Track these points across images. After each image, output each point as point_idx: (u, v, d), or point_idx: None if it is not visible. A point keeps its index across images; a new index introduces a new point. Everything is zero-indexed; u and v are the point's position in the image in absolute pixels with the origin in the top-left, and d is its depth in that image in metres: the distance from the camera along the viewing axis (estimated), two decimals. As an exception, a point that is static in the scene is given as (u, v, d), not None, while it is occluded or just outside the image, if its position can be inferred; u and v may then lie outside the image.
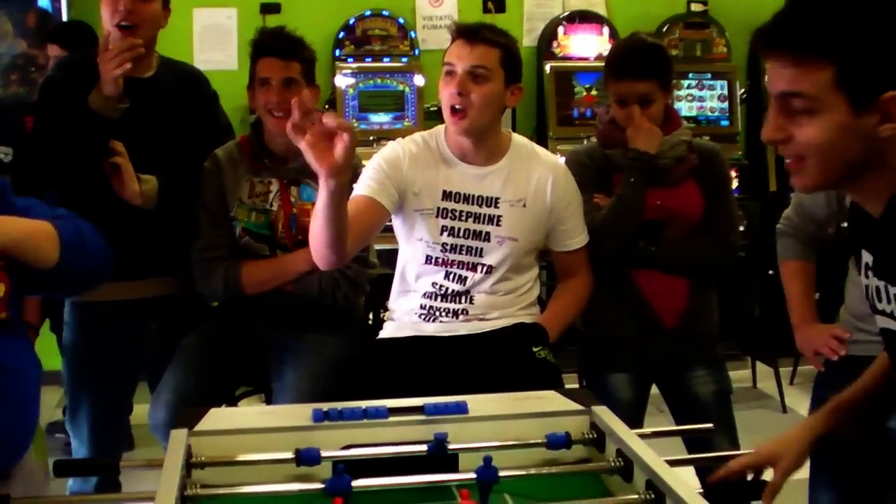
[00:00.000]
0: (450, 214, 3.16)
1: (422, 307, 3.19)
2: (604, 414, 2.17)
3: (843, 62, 1.73)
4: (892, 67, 1.72)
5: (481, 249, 3.16)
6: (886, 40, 1.72)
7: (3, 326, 2.28)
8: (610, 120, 3.42)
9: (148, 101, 3.38)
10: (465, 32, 3.13)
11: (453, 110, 3.09)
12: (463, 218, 3.16)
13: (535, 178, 3.20)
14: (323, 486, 1.90)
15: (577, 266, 3.33)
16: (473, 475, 1.95)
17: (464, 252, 3.16)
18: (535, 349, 3.10)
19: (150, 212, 3.33)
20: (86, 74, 3.27)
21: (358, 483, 1.91)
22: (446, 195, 3.17)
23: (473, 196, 3.17)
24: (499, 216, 3.16)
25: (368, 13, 6.62)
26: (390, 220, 3.22)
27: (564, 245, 3.29)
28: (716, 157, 3.48)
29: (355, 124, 6.01)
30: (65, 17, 6.13)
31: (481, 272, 3.16)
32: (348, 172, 2.60)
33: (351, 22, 6.58)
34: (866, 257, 2.02)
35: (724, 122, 6.77)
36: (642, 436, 2.08)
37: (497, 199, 3.17)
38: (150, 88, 3.43)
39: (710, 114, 6.77)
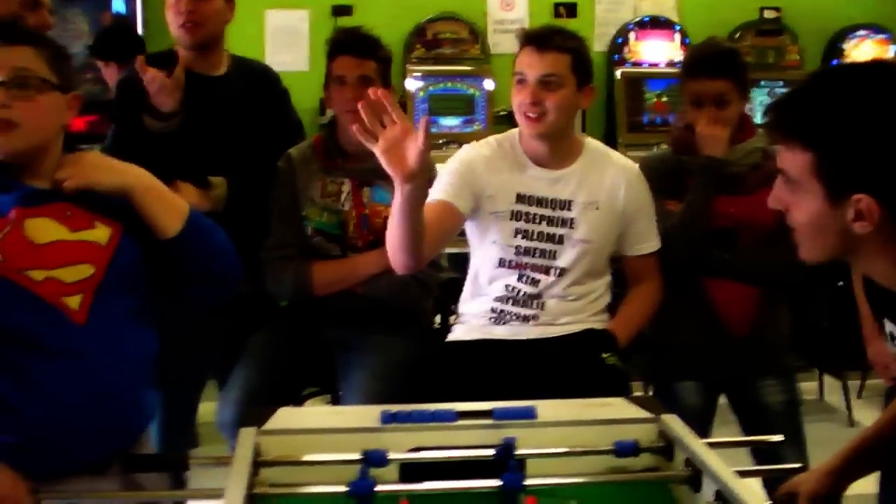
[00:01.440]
0: (524, 217, 3.16)
1: (493, 311, 3.19)
2: (673, 422, 2.14)
3: (822, 151, 1.76)
4: (869, 168, 1.73)
5: (555, 252, 3.16)
6: (866, 139, 1.73)
7: (112, 312, 2.33)
8: (685, 126, 3.40)
9: (219, 99, 3.42)
10: (534, 39, 3.13)
11: (527, 117, 3.11)
12: (537, 221, 3.16)
13: (609, 181, 3.20)
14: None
15: (648, 271, 3.32)
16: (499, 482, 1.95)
17: (537, 255, 3.16)
18: (604, 355, 3.09)
19: (221, 212, 3.35)
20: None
21: (423, 486, 1.94)
22: (521, 198, 3.17)
23: (547, 199, 3.17)
24: (572, 219, 3.16)
25: (440, 16, 6.63)
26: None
27: (636, 249, 3.28)
28: (791, 165, 3.44)
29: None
30: (139, 18, 6.21)
31: (554, 275, 3.16)
32: (423, 176, 2.64)
33: (422, 25, 6.59)
34: (890, 327, 2.00)
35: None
36: (711, 445, 2.06)
37: (570, 201, 3.17)
38: (222, 87, 3.47)
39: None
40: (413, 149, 2.55)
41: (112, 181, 2.39)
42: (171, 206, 2.44)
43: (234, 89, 3.50)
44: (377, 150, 2.57)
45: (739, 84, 3.33)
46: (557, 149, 3.19)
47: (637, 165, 3.34)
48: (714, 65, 3.31)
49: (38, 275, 2.26)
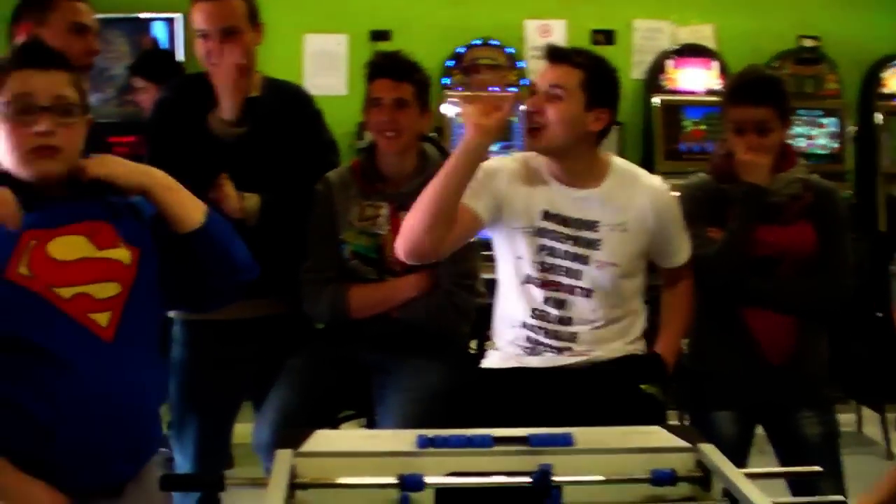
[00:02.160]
0: (549, 235, 3.15)
1: (528, 339, 3.18)
2: (710, 452, 2.12)
3: None
4: None
5: (580, 272, 3.14)
6: None
7: (135, 334, 2.35)
8: (726, 153, 3.39)
9: (253, 120, 3.43)
10: (550, 52, 3.16)
11: (528, 130, 3.10)
12: (562, 240, 3.15)
13: (637, 202, 3.18)
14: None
15: (682, 275, 3.36)
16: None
17: (563, 273, 3.14)
18: (644, 388, 3.08)
19: (257, 232, 3.37)
20: (197, 94, 3.39)
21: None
22: (546, 215, 3.16)
23: (572, 219, 3.16)
24: (598, 240, 3.14)
25: (478, 42, 6.64)
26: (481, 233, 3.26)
27: (670, 262, 3.31)
28: (832, 195, 3.43)
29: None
30: (179, 41, 6.26)
31: (580, 295, 3.14)
32: (491, 137, 2.86)
33: (460, 51, 6.60)
34: None
35: (835, 160, 6.62)
36: (748, 476, 2.04)
37: (596, 222, 3.15)
38: (255, 108, 3.48)
39: (820, 151, 6.64)
40: (497, 112, 2.78)
41: (132, 177, 2.43)
42: (191, 201, 2.50)
43: (268, 110, 3.51)
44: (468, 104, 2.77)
45: (782, 112, 3.31)
46: (575, 168, 3.16)
47: (665, 184, 3.32)
48: (757, 92, 3.30)
49: (67, 292, 2.29)
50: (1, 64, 2.42)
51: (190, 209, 2.47)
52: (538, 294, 3.17)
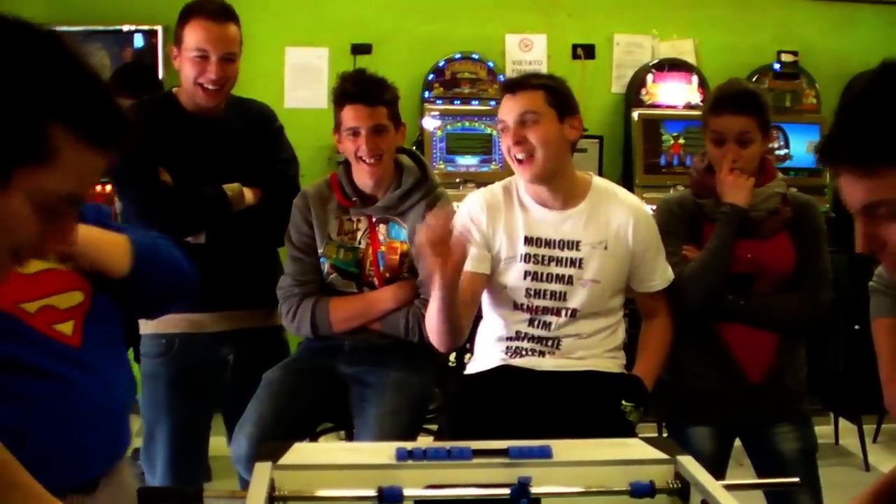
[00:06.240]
0: (533, 259, 3.18)
1: (507, 349, 3.21)
2: (689, 464, 2.13)
3: None
4: None
5: (565, 293, 3.17)
6: None
7: (99, 337, 2.34)
8: (705, 168, 3.40)
9: (216, 141, 3.50)
10: (506, 87, 3.23)
11: (518, 161, 3.13)
12: (545, 262, 3.18)
13: (616, 221, 3.21)
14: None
15: (659, 306, 3.34)
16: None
17: (548, 297, 3.17)
18: (624, 403, 3.09)
19: (231, 244, 3.45)
20: (159, 117, 3.45)
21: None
22: (528, 240, 3.19)
23: (555, 240, 3.19)
24: (581, 259, 3.18)
25: (458, 56, 6.64)
26: None
27: (646, 286, 3.30)
28: (811, 209, 3.44)
29: (442, 166, 6.04)
30: (160, 53, 6.25)
31: (566, 316, 3.17)
32: (457, 274, 2.89)
33: (440, 64, 6.60)
34: None
35: (813, 174, 6.63)
36: (727, 487, 2.05)
37: (578, 242, 3.18)
38: (218, 129, 3.52)
39: (798, 165, 6.65)
40: (451, 263, 2.84)
41: None
42: (113, 250, 2.39)
43: (231, 132, 3.55)
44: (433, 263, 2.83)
45: (762, 123, 3.33)
46: (559, 189, 3.20)
47: (654, 209, 3.35)
48: (738, 102, 3.32)
49: (32, 306, 2.28)
50: None
51: (113, 258, 2.37)
52: (523, 319, 3.20)
